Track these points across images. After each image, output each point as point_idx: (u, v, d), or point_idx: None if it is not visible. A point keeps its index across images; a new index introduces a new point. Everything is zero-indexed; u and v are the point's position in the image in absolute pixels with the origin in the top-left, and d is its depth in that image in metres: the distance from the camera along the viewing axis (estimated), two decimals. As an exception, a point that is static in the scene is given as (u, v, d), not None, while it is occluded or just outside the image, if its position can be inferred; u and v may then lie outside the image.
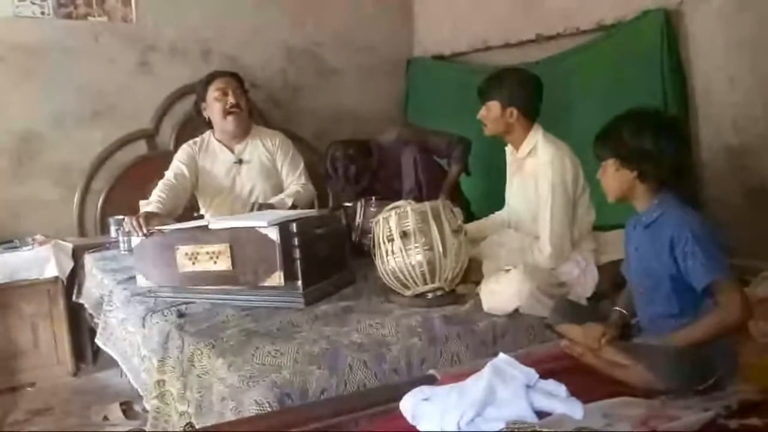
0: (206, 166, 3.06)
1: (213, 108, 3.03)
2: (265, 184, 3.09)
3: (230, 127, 3.02)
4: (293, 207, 2.88)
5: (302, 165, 3.19)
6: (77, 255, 3.17)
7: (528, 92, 2.33)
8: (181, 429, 1.83)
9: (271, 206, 2.80)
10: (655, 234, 1.67)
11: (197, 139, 3.12)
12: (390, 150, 3.18)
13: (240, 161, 3.08)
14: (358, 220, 2.65)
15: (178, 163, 3.01)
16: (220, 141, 3.10)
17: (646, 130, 1.66)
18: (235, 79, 3.10)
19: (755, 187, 2.68)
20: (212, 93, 3.02)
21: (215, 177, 3.06)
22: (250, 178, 3.08)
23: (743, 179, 2.72)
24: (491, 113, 2.34)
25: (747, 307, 1.57)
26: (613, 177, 1.71)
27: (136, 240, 2.41)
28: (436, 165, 3.22)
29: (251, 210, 2.77)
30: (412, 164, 3.09)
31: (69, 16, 3.42)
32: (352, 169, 3.06)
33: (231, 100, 2.99)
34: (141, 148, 3.64)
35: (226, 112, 2.99)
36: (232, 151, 3.09)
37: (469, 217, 2.79)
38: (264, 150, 3.12)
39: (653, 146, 1.64)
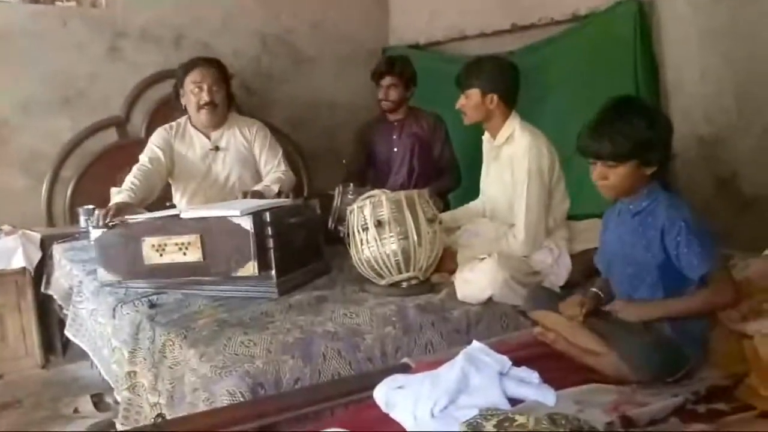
0: (182, 151, 3.01)
1: (189, 98, 2.99)
2: (241, 172, 3.05)
3: (203, 120, 2.98)
4: (279, 194, 2.86)
5: (281, 153, 3.16)
6: (46, 245, 3.11)
7: (507, 78, 2.34)
8: (153, 420, 1.81)
9: (260, 194, 2.77)
10: (644, 222, 1.66)
11: (173, 124, 3.06)
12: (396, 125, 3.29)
13: (216, 148, 3.04)
14: (335, 206, 2.63)
15: (153, 147, 2.95)
16: (196, 127, 3.05)
17: (656, 122, 1.60)
18: (215, 68, 3.04)
19: (725, 177, 2.73)
20: (189, 84, 2.97)
21: (191, 163, 3.02)
22: (227, 166, 3.04)
23: (714, 169, 2.77)
24: (471, 101, 2.33)
25: (738, 291, 1.59)
26: (627, 177, 1.62)
27: (95, 232, 2.33)
28: (431, 163, 3.30)
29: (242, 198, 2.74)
30: (408, 155, 3.21)
31: (36, 0, 3.33)
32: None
33: (205, 97, 2.94)
34: (111, 135, 3.58)
35: (199, 107, 2.96)
36: (209, 138, 3.05)
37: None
38: (241, 138, 3.09)
39: (657, 135, 1.60)
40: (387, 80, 3.23)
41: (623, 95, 1.70)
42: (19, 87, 3.33)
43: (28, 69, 3.34)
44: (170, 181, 3.06)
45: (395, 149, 3.31)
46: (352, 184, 2.71)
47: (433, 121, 3.29)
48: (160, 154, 2.93)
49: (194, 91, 2.95)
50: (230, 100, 3.13)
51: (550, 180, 2.28)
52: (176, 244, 2.17)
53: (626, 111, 1.62)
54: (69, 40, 3.44)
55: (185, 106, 3.03)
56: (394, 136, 3.32)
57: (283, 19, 4.03)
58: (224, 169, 3.04)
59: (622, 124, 1.59)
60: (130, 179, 2.77)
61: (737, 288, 1.60)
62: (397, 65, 3.24)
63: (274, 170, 3.06)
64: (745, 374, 1.52)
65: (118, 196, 2.69)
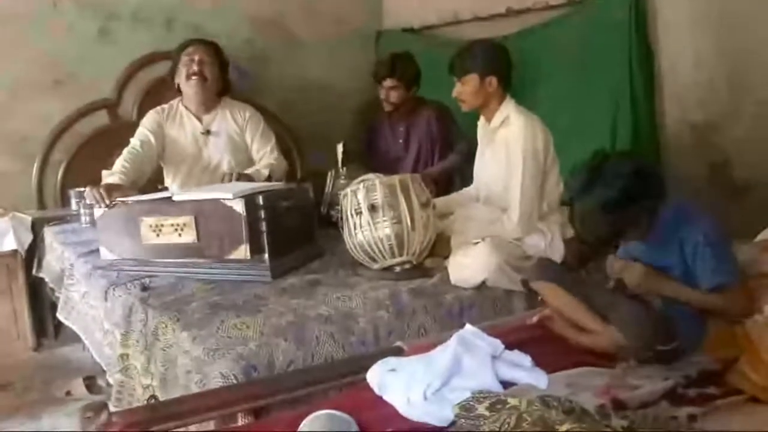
0: (173, 133, 3.00)
1: (181, 74, 2.98)
2: (233, 158, 3.04)
3: (190, 90, 2.96)
4: (269, 179, 2.85)
5: (274, 140, 3.14)
6: (37, 228, 3.08)
7: (503, 60, 2.33)
8: (146, 402, 1.81)
9: (249, 177, 2.76)
10: (665, 237, 1.66)
11: (165, 106, 3.05)
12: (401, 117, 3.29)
13: (208, 132, 3.02)
14: (327, 191, 2.63)
15: (144, 130, 2.94)
16: (188, 108, 3.03)
17: (625, 187, 1.59)
18: (210, 48, 3.03)
19: (718, 163, 2.73)
20: (182, 59, 2.98)
21: (182, 146, 3.00)
22: (218, 151, 3.02)
23: (706, 156, 2.77)
24: (469, 87, 2.31)
25: (751, 303, 1.61)
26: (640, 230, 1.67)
27: (98, 211, 2.35)
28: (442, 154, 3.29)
29: (229, 180, 2.73)
30: (416, 151, 3.24)
31: (26, -20, 3.28)
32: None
33: (194, 67, 2.94)
34: (102, 118, 3.53)
35: (188, 76, 2.94)
36: (200, 121, 3.03)
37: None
38: (233, 123, 3.07)
39: (631, 198, 1.60)
40: (388, 82, 3.22)
41: (594, 160, 1.65)
42: (9, 69, 3.27)
43: (18, 51, 3.28)
44: (162, 164, 3.05)
45: (400, 140, 3.29)
46: (345, 168, 2.70)
47: (436, 111, 3.26)
48: (150, 137, 2.91)
49: (186, 63, 2.96)
50: (225, 85, 3.11)
51: (544, 161, 2.27)
52: (172, 225, 2.17)
53: (591, 195, 1.61)
54: (59, 21, 3.38)
55: (178, 85, 3.02)
56: (400, 129, 3.30)
57: (275, 1, 3.99)
58: (216, 154, 3.02)
59: (594, 216, 1.61)
60: (121, 162, 2.77)
61: (750, 300, 1.62)
62: (399, 67, 3.21)
63: (266, 156, 3.05)
64: (735, 359, 1.53)
65: (109, 178, 2.69)
